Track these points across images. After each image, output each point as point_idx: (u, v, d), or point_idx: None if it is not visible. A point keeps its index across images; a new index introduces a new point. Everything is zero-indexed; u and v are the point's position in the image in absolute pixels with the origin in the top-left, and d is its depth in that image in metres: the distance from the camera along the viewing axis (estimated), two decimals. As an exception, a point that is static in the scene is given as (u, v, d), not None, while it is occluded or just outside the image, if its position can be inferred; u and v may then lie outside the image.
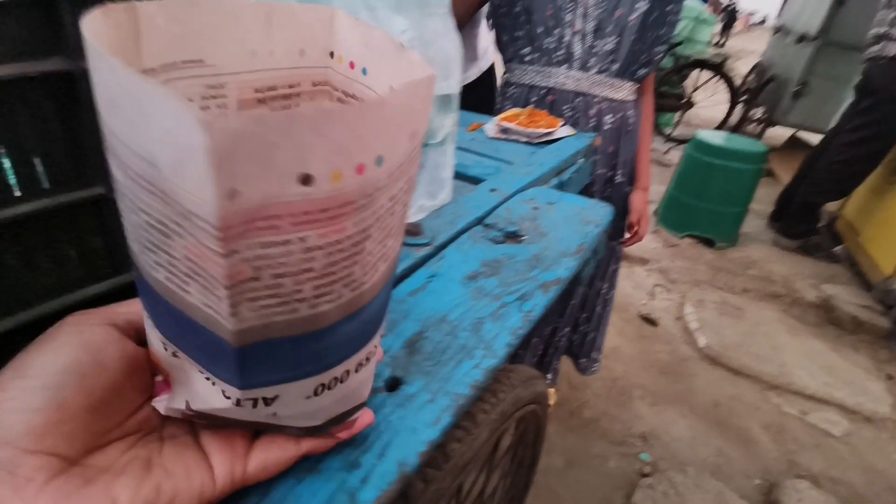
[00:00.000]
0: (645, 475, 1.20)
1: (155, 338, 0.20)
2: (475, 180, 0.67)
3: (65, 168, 0.26)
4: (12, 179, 0.24)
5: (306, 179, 0.14)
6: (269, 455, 0.23)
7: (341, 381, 0.21)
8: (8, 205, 0.24)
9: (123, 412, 0.21)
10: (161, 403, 0.22)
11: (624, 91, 0.97)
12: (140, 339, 0.22)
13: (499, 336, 0.36)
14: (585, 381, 1.47)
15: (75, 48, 0.26)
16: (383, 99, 0.15)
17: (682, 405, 1.45)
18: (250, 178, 0.13)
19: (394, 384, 0.32)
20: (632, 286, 2.01)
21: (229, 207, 0.13)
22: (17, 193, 0.24)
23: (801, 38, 3.34)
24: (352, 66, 0.25)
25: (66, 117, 0.26)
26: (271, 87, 0.24)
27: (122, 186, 0.16)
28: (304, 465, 0.26)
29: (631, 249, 2.25)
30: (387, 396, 0.31)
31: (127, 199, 0.16)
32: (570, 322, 1.15)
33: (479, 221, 0.55)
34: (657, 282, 2.07)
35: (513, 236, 0.52)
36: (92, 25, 0.16)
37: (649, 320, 1.81)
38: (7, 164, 0.24)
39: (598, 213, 0.59)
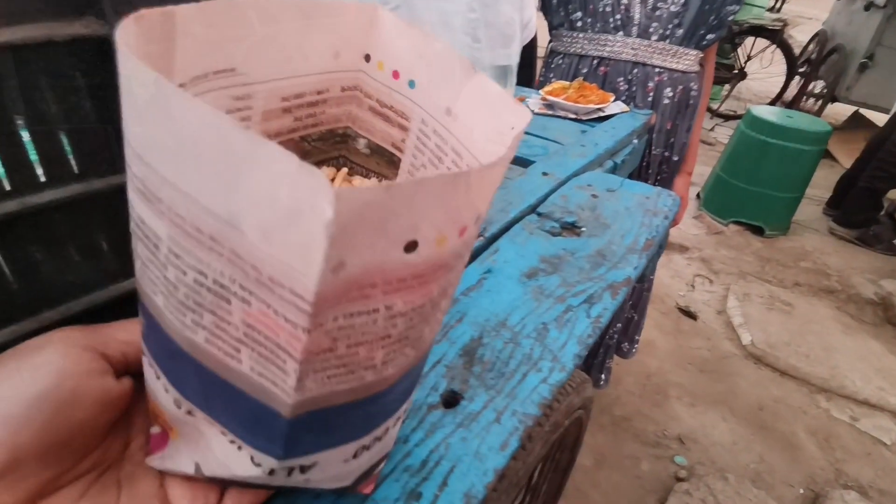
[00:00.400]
0: (680, 479, 1.15)
1: (160, 390, 0.18)
2: (523, 162, 0.62)
3: (96, 149, 0.23)
4: (33, 156, 0.21)
5: (411, 246, 0.13)
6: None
7: (379, 440, 0.19)
8: (32, 190, 0.21)
9: (82, 453, 0.18)
10: (158, 461, 0.19)
11: (687, 60, 0.87)
12: (129, 371, 0.20)
13: (567, 345, 0.32)
14: (618, 376, 1.41)
15: (113, 7, 0.22)
16: (503, 157, 0.14)
17: (723, 407, 1.38)
18: (360, 248, 0.12)
19: (452, 399, 0.28)
20: (669, 276, 1.91)
21: (331, 281, 0.12)
22: (42, 178, 0.21)
23: (870, 6, 3.03)
24: (395, 75, 0.22)
25: (98, 90, 0.23)
26: (299, 94, 0.23)
27: (159, 239, 0.14)
28: (359, 495, 0.23)
29: (669, 235, 2.14)
30: (444, 414, 0.27)
31: (166, 252, 0.14)
32: (621, 318, 1.09)
33: (533, 210, 0.50)
34: (698, 272, 1.96)
35: (571, 228, 0.47)
36: (126, 38, 0.13)
37: (688, 313, 1.72)
38: (26, 137, 0.20)
39: (665, 202, 0.53)
